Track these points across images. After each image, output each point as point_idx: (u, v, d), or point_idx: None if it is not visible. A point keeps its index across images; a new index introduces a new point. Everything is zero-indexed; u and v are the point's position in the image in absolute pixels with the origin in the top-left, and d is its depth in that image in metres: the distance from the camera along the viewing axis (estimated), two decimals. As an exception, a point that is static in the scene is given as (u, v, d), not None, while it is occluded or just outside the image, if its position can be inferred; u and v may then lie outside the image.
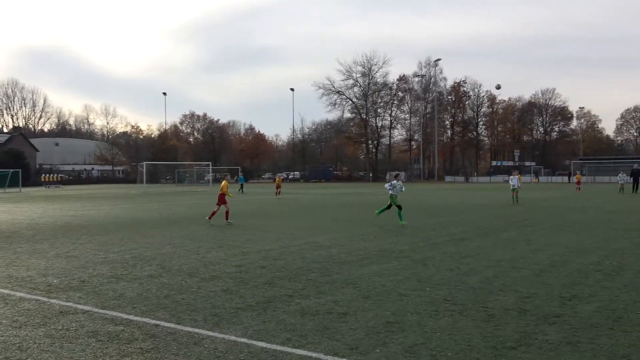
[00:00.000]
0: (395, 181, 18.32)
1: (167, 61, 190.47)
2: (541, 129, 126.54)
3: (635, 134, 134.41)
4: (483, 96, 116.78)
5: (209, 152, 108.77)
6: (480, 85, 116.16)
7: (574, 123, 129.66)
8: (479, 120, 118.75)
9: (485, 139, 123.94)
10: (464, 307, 7.07)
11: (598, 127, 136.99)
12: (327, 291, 8.05)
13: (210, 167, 74.51)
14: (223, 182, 19.12)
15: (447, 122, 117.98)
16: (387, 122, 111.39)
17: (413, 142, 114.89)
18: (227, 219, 18.46)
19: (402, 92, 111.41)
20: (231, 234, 15.35)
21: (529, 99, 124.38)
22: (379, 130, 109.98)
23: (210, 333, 6.00)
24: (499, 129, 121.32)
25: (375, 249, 12.23)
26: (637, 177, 40.44)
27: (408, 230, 16.01)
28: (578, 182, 45.32)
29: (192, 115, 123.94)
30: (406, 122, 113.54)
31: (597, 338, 5.77)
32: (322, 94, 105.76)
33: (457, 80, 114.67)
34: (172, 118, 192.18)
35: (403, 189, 18.32)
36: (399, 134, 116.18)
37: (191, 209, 26.28)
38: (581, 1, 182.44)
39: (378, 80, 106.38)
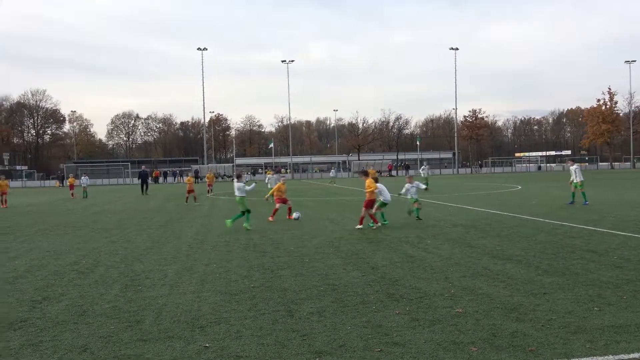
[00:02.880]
0: (240, 183, 16.27)
1: None
2: (33, 132, 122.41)
3: (125, 138, 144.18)
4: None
5: None
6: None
7: (67, 126, 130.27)
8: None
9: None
10: None
11: (91, 131, 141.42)
12: None
13: None
14: None
15: None
16: None
17: None
18: None
19: None
20: None
21: (17, 99, 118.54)
22: None
23: None
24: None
25: None
26: (145, 178, 42.71)
27: None
28: (71, 187, 43.29)
29: None
30: None
31: (60, 334, 6.02)
32: None
33: None
34: None
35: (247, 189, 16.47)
36: None
37: None
38: (69, 9, 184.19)
39: None
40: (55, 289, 8.41)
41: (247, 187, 16.44)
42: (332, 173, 62.70)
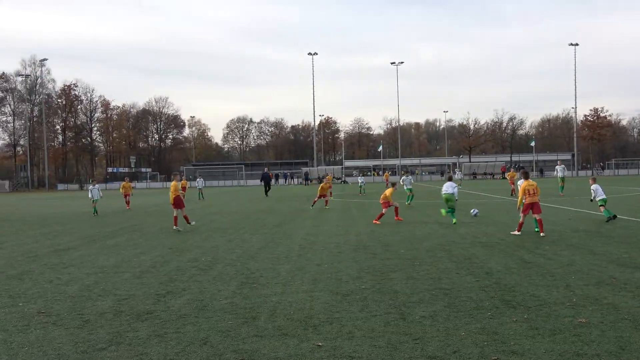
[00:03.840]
0: (452, 182, 18.10)
1: None
2: (156, 136, 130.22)
3: (239, 142, 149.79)
4: (96, 101, 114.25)
5: None
6: (93, 90, 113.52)
7: (187, 131, 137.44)
8: (93, 125, 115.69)
9: (101, 145, 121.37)
10: (58, 317, 6.92)
11: (208, 135, 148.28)
12: None
13: None
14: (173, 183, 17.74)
15: (58, 127, 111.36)
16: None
17: (18, 148, 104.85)
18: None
19: (2, 92, 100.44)
20: None
21: (143, 106, 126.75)
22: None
23: None
24: (114, 135, 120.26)
25: (-38, 268, 10.86)
26: (267, 180, 43.01)
27: (6, 244, 14.68)
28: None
29: None
30: (9, 125, 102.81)
31: (182, 327, 6.37)
32: None
33: (68, 83, 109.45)
34: None
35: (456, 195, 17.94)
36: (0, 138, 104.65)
37: None
38: (188, 22, 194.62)
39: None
40: (178, 284, 8.90)
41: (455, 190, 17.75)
42: (457, 175, 55.83)
